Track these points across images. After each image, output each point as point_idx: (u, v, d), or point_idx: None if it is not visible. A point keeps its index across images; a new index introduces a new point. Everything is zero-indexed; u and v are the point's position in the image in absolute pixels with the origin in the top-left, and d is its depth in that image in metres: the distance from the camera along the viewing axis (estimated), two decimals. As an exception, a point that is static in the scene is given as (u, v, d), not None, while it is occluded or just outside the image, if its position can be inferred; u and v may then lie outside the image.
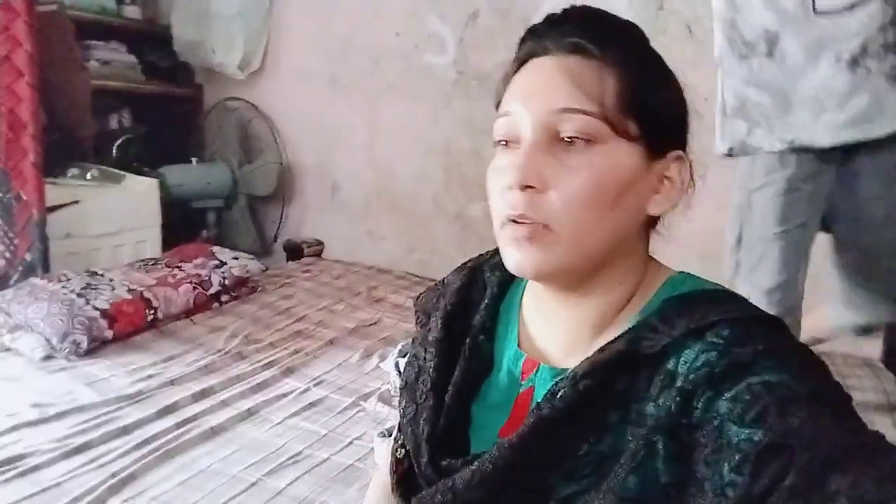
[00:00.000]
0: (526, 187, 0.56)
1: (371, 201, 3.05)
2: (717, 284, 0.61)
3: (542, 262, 0.57)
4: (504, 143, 0.60)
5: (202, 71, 3.27)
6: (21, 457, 1.29)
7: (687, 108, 0.63)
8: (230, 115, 3.15)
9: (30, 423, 1.42)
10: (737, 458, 0.46)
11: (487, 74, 2.67)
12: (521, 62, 0.62)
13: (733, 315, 0.54)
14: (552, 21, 0.61)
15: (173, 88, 3.24)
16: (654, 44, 0.63)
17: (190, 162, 3.04)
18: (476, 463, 0.58)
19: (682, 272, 0.63)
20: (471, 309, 0.70)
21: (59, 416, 1.46)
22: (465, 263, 0.77)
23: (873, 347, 2.13)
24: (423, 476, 0.65)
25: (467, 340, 0.68)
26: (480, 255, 0.77)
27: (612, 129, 0.56)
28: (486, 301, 0.70)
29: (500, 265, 0.73)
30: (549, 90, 0.57)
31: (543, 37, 0.60)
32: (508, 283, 0.71)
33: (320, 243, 3.15)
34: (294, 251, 3.08)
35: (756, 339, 0.52)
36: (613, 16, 0.62)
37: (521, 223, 0.56)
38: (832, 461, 0.43)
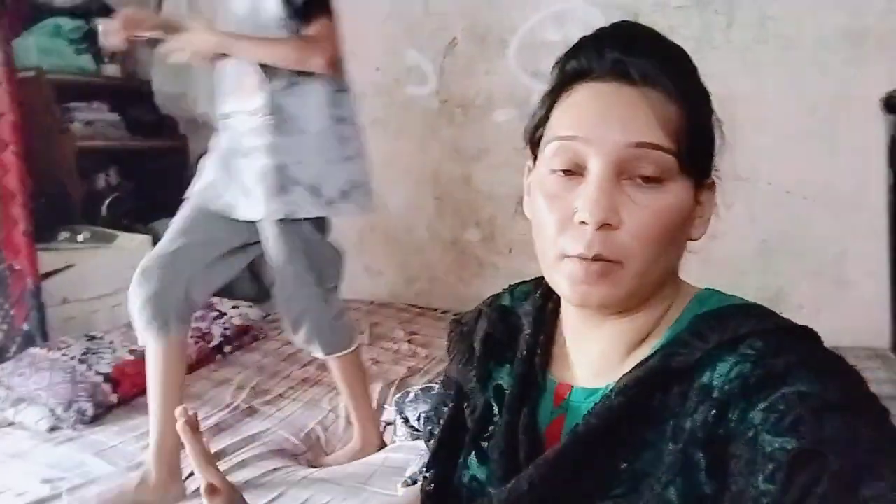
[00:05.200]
0: (603, 225, 0.54)
1: (365, 236, 3.04)
2: (743, 299, 0.60)
3: (610, 297, 0.56)
4: (563, 170, 0.57)
5: (186, 122, 3.27)
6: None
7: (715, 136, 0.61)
8: (217, 164, 3.14)
9: (42, 500, 1.39)
10: (770, 467, 0.45)
11: (470, 101, 2.69)
12: (572, 78, 0.59)
13: (765, 327, 0.54)
14: (616, 40, 0.58)
15: (158, 142, 3.23)
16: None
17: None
18: (513, 481, 0.57)
19: (707, 288, 0.63)
20: (509, 340, 0.69)
21: (72, 490, 1.42)
22: (488, 303, 0.75)
23: (881, 338, 2.13)
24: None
25: (519, 372, 0.66)
26: (492, 296, 0.76)
27: (679, 166, 0.56)
28: (529, 329, 0.68)
29: (527, 295, 0.72)
30: (627, 122, 0.55)
31: (606, 59, 0.57)
32: (542, 310, 0.70)
33: (318, 283, 3.13)
34: (292, 293, 3.06)
35: (789, 349, 0.51)
36: (665, 37, 0.59)
37: (594, 261, 0.55)
38: (865, 468, 0.42)
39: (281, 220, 1.51)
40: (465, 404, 0.69)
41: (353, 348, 1.69)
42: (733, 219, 2.28)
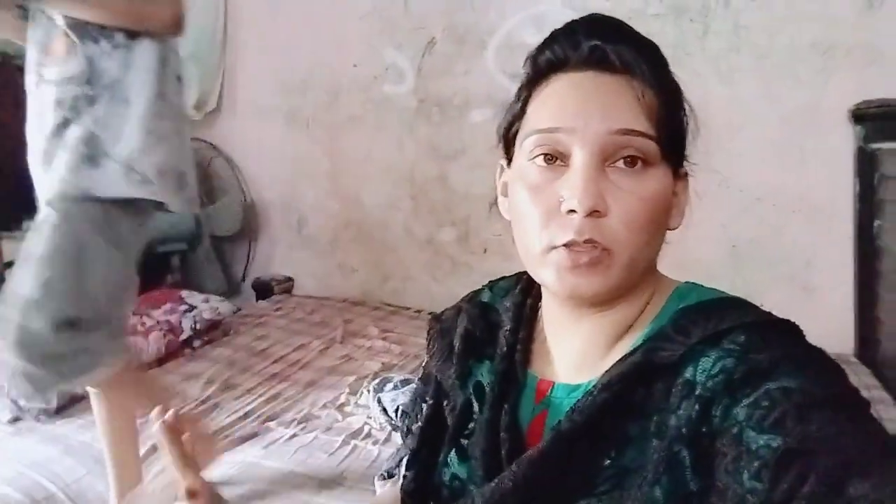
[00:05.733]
0: (592, 213, 0.54)
1: (339, 234, 3.02)
2: (724, 292, 0.60)
3: (600, 286, 0.56)
4: (543, 159, 0.57)
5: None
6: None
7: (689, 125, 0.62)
8: (189, 156, 3.09)
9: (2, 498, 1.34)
10: (756, 464, 0.45)
11: (448, 100, 2.69)
12: (546, 70, 0.59)
13: (748, 321, 0.54)
14: (590, 31, 0.58)
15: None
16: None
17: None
18: (497, 480, 0.56)
19: (687, 282, 0.63)
20: (489, 337, 0.69)
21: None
22: (468, 298, 0.75)
23: (845, 344, 2.18)
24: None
25: (499, 369, 0.65)
26: (472, 292, 0.75)
27: (661, 153, 0.56)
28: (509, 325, 0.68)
29: (507, 291, 0.72)
30: (609, 109, 0.55)
31: (583, 48, 0.57)
32: (521, 306, 0.69)
33: (290, 280, 3.10)
34: (263, 289, 3.02)
35: (772, 344, 0.52)
36: (638, 32, 0.60)
37: (582, 249, 0.54)
38: (851, 466, 0.42)
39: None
40: (445, 402, 0.68)
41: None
42: (705, 224, 2.34)
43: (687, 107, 0.61)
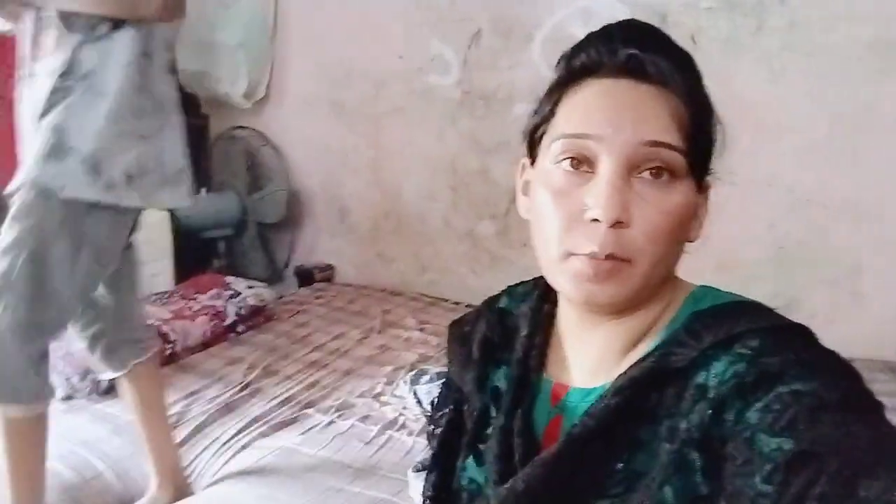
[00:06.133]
0: (616, 223, 0.54)
1: (380, 223, 3.06)
2: (739, 296, 0.60)
3: (617, 296, 0.56)
4: (570, 163, 0.56)
5: (207, 101, 3.28)
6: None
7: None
8: (237, 144, 3.16)
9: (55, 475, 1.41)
10: (767, 468, 0.45)
11: (492, 93, 2.68)
12: (579, 73, 0.58)
13: (761, 325, 0.54)
14: (627, 37, 0.57)
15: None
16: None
17: (199, 192, 3.04)
18: (510, 482, 0.58)
19: (702, 286, 0.63)
20: (507, 342, 0.69)
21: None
22: (486, 304, 0.75)
23: (894, 350, 2.12)
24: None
25: (515, 374, 0.66)
26: (490, 298, 0.76)
27: (687, 166, 0.56)
28: (525, 331, 0.68)
29: (525, 296, 0.72)
30: (640, 120, 0.54)
31: (620, 55, 0.56)
32: (538, 311, 0.70)
33: (331, 268, 3.16)
34: (305, 277, 3.08)
35: (785, 348, 0.51)
36: (674, 41, 0.59)
37: (604, 260, 0.54)
38: (862, 468, 0.42)
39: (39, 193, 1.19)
40: (465, 407, 0.69)
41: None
42: (752, 223, 2.29)
43: (716, 121, 0.60)
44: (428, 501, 0.71)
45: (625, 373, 0.57)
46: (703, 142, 0.58)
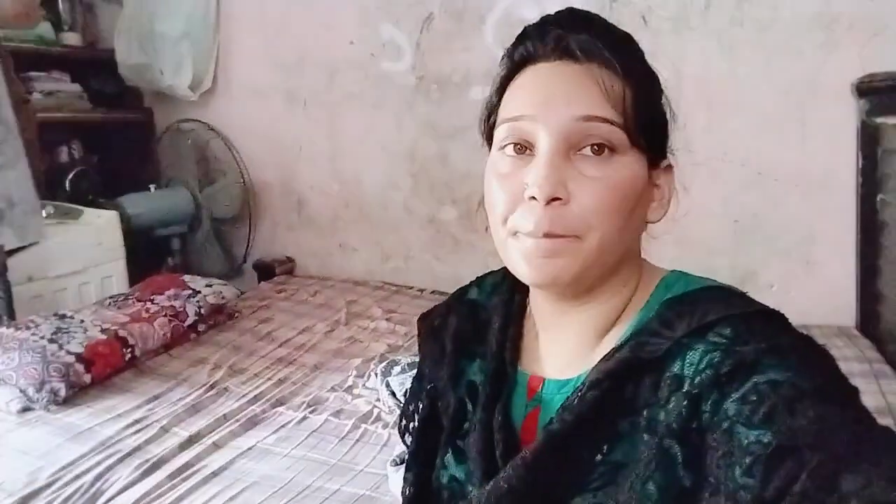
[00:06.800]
0: (552, 200, 0.55)
1: (339, 213, 3.01)
2: (711, 280, 0.61)
3: (564, 273, 0.56)
4: (513, 148, 0.58)
5: (151, 94, 3.17)
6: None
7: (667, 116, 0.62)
8: (185, 138, 3.06)
9: (14, 491, 1.35)
10: (747, 460, 0.46)
11: (447, 77, 2.66)
12: (519, 64, 0.61)
13: (733, 312, 0.54)
14: (559, 23, 0.59)
15: (122, 114, 3.14)
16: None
17: (148, 189, 2.94)
18: (492, 483, 0.57)
19: (674, 271, 0.63)
20: (480, 335, 0.69)
21: (50, 480, 1.38)
22: (456, 296, 0.75)
23: (847, 317, 2.20)
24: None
25: (490, 367, 0.66)
26: (459, 289, 0.76)
27: (629, 140, 0.56)
28: (498, 323, 0.68)
29: (495, 287, 0.72)
30: (571, 97, 0.56)
31: (548, 39, 0.58)
32: (510, 303, 0.70)
33: (291, 260, 3.10)
34: (265, 271, 3.02)
35: (758, 335, 0.52)
36: (610, 23, 0.61)
37: (543, 238, 0.55)
38: (843, 461, 0.43)
39: None
40: (440, 403, 0.69)
41: None
42: (707, 199, 2.34)
43: (665, 98, 0.61)
44: (407, 500, 0.70)
45: (598, 364, 0.57)
46: (647, 117, 0.58)
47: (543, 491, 0.56)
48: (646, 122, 0.58)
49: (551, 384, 0.62)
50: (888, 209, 2.02)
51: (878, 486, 0.40)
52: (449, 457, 0.67)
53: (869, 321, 2.13)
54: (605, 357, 0.57)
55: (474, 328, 0.70)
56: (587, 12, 0.60)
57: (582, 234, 0.55)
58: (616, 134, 0.56)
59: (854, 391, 0.50)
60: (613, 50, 0.57)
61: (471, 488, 0.62)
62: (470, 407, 0.66)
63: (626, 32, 0.61)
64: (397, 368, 1.63)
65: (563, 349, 0.63)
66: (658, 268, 0.64)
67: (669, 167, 0.62)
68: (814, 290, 2.22)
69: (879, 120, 2.02)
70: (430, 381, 0.71)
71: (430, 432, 0.70)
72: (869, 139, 2.06)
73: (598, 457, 0.55)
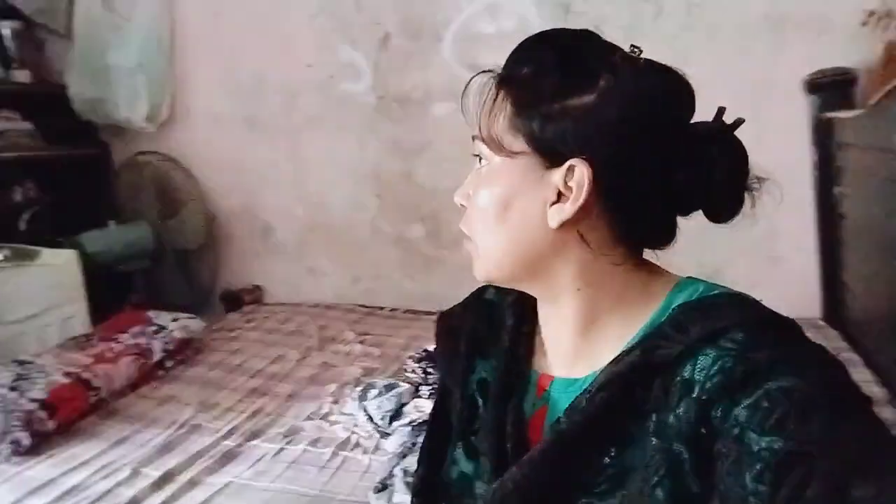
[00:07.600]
0: (461, 205, 0.65)
1: (306, 238, 2.98)
2: (723, 287, 0.60)
3: (477, 270, 0.64)
4: (479, 161, 0.64)
5: (106, 128, 3.10)
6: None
7: (606, 113, 0.58)
8: (143, 171, 3.00)
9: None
10: (758, 466, 0.45)
11: (407, 95, 2.66)
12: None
13: (746, 318, 0.54)
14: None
15: (77, 150, 3.06)
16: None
17: (107, 225, 2.87)
18: (499, 482, 0.58)
19: (688, 277, 0.63)
20: (494, 334, 0.70)
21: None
22: (475, 296, 0.77)
23: (812, 308, 2.24)
24: None
25: (502, 365, 0.67)
26: (478, 289, 0.77)
27: (491, 149, 0.60)
28: (511, 322, 0.69)
29: (509, 288, 0.72)
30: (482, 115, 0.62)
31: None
32: (521, 304, 0.70)
33: (259, 289, 3.05)
34: (233, 301, 2.97)
35: (770, 342, 0.52)
36: (547, 37, 0.61)
37: (467, 239, 0.64)
38: (854, 468, 0.42)
39: None
40: (449, 399, 0.70)
41: None
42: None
43: (588, 102, 0.58)
44: (416, 493, 0.71)
45: (609, 366, 0.57)
46: (539, 123, 0.57)
47: (550, 491, 0.56)
48: (525, 128, 0.57)
49: (559, 383, 0.63)
50: (846, 201, 2.07)
51: (888, 494, 0.40)
52: (459, 452, 0.67)
53: (834, 311, 2.17)
54: (614, 359, 0.57)
55: (489, 328, 0.71)
56: (534, 35, 0.62)
57: (472, 236, 0.63)
58: (480, 146, 0.61)
59: (866, 400, 0.50)
60: (507, 66, 0.60)
61: (479, 484, 0.63)
62: (481, 404, 0.67)
63: (557, 38, 0.60)
64: (374, 392, 1.61)
65: (562, 348, 0.63)
66: (670, 273, 0.64)
67: (572, 167, 0.57)
68: (779, 284, 2.26)
69: (831, 114, 2.07)
70: (443, 378, 0.73)
71: (441, 429, 0.71)
72: (822, 134, 2.12)
73: (606, 459, 0.55)
